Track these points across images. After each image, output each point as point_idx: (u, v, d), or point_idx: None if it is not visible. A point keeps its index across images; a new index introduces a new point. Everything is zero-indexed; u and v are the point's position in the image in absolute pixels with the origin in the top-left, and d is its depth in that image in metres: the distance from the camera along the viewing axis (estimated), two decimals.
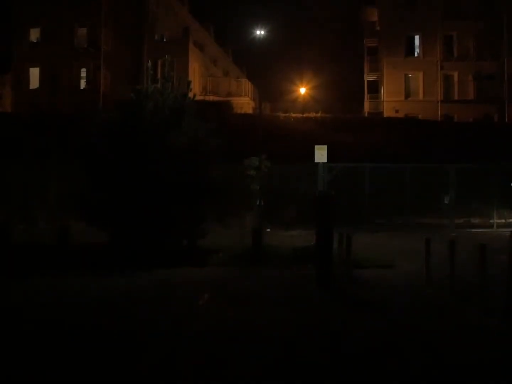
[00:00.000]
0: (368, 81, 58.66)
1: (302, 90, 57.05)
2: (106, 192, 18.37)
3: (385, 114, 50.50)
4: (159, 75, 20.42)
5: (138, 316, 10.65)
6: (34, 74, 49.52)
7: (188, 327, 9.79)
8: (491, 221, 28.48)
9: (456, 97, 51.39)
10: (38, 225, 25.65)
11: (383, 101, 53.51)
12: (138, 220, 18.07)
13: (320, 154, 28.03)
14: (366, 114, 54.75)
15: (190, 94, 20.12)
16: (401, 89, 52.24)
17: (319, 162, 28.55)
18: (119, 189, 18.02)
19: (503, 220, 28.66)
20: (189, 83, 21.20)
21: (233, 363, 7.79)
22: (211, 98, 45.60)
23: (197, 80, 49.76)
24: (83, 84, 49.73)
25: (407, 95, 52.43)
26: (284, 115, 40.24)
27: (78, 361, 7.87)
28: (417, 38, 52.91)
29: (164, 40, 51.66)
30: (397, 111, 49.96)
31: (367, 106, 56.66)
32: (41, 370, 7.53)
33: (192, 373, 7.43)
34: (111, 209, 18.05)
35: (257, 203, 24.07)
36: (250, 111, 48.58)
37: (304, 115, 40.42)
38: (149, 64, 21.14)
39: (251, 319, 10.39)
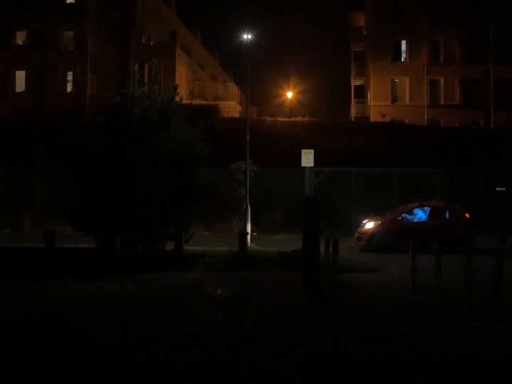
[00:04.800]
0: (355, 86, 58.83)
1: (289, 95, 57.11)
2: (92, 197, 18.32)
3: (372, 119, 50.61)
4: (146, 79, 20.35)
5: (127, 319, 10.61)
6: (20, 77, 49.22)
7: (176, 331, 9.75)
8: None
9: (442, 102, 51.58)
10: (24, 230, 25.57)
11: (369, 105, 53.62)
12: (125, 225, 18.03)
13: (307, 158, 28.07)
14: (353, 119, 54.89)
15: (177, 98, 20.11)
16: (387, 93, 52.37)
17: (305, 166, 28.60)
18: (105, 194, 17.97)
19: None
20: (176, 87, 21.20)
21: (223, 366, 7.78)
22: (198, 102, 45.46)
23: (184, 84, 49.71)
24: (69, 87, 49.52)
25: (394, 100, 52.58)
26: (271, 119, 40.17)
27: (65, 363, 7.84)
28: (403, 43, 53.06)
29: (151, 44, 51.59)
30: (383, 116, 50.07)
31: (354, 111, 56.80)
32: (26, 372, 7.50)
33: (182, 375, 7.43)
34: (98, 213, 17.99)
35: (244, 207, 24.07)
36: (237, 115, 48.56)
37: (291, 119, 40.38)
38: (136, 67, 21.10)
39: (238, 323, 10.38)
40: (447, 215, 23.06)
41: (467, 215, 22.95)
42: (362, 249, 22.20)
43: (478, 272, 11.21)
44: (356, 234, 23.40)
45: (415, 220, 22.74)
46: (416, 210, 22.96)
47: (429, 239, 15.74)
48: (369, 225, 23.01)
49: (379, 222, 22.91)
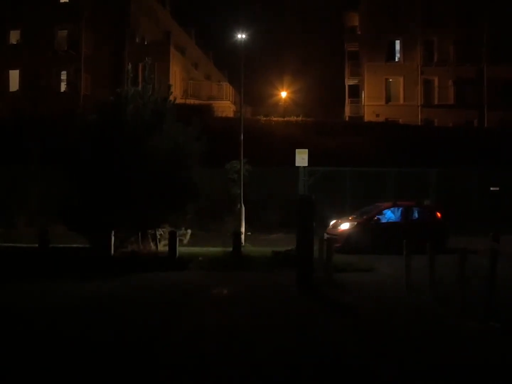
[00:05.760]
0: (349, 85, 58.86)
1: (283, 94, 57.11)
2: (86, 196, 18.29)
3: (366, 118, 50.62)
4: (140, 78, 20.32)
5: (124, 318, 10.61)
6: (14, 76, 49.12)
7: (169, 332, 9.74)
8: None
9: (436, 102, 51.66)
10: (18, 229, 25.47)
11: (364, 105, 53.68)
12: (119, 224, 18.03)
13: (301, 157, 28.03)
14: (347, 118, 54.90)
15: (171, 97, 20.10)
16: (381, 93, 52.42)
17: (300, 166, 28.59)
18: (99, 194, 17.95)
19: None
20: (169, 86, 21.20)
21: (219, 364, 7.77)
22: (192, 101, 45.42)
23: (178, 84, 49.64)
24: (63, 87, 49.43)
25: (388, 100, 52.63)
26: (265, 119, 40.12)
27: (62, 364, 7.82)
28: (397, 43, 53.12)
29: (145, 43, 51.51)
30: (377, 115, 50.10)
31: (348, 110, 56.84)
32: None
33: (178, 372, 7.42)
34: (92, 213, 17.97)
35: (238, 206, 24.04)
36: (231, 114, 48.52)
37: (285, 119, 40.34)
38: (129, 67, 21.08)
39: (232, 323, 10.36)
40: (420, 215, 22.86)
41: (439, 214, 22.81)
42: (336, 250, 20.75)
43: (470, 271, 11.23)
44: (328, 235, 20.81)
45: (390, 221, 22.42)
46: (391, 210, 22.66)
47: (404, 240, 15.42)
48: (344, 226, 22.27)
49: (355, 222, 22.27)
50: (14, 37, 49.79)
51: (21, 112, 37.79)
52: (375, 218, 22.33)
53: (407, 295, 13.24)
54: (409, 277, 13.63)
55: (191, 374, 7.49)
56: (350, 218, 23.12)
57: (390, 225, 22.16)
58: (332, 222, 23.28)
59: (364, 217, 22.60)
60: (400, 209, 22.56)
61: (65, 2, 49.37)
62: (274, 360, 8.12)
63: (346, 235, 21.61)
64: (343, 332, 9.86)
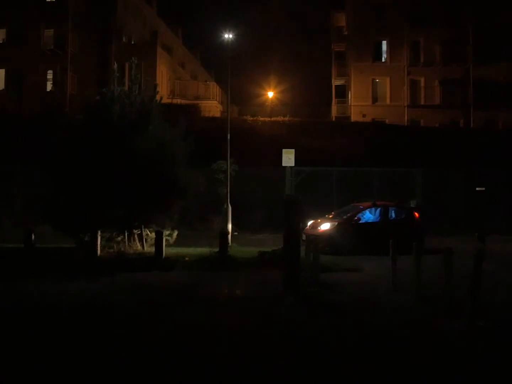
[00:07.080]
0: (335, 86, 58.89)
1: (270, 94, 57.12)
2: (71, 197, 18.23)
3: (353, 119, 50.75)
4: (126, 78, 20.29)
5: (109, 318, 10.56)
6: (0, 75, 48.91)
7: (159, 328, 9.72)
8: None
9: (422, 102, 51.85)
10: (4, 230, 25.36)
11: (350, 105, 53.77)
12: (105, 224, 17.98)
13: (288, 157, 28.09)
14: (333, 118, 54.95)
15: (157, 97, 20.08)
16: (368, 93, 52.55)
17: (286, 166, 28.63)
18: (85, 194, 17.89)
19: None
20: (155, 86, 21.16)
21: (207, 363, 7.76)
22: (178, 101, 45.35)
23: (165, 83, 49.56)
24: (49, 86, 49.22)
25: (375, 100, 52.77)
26: (252, 118, 40.10)
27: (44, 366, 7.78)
28: (384, 43, 53.27)
29: (132, 42, 51.39)
30: (364, 116, 50.24)
31: (334, 110, 56.88)
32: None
33: (168, 372, 7.39)
34: (77, 213, 17.91)
35: (225, 206, 24.04)
36: (218, 114, 48.48)
37: (272, 119, 40.35)
38: (115, 66, 21.03)
39: (220, 322, 10.34)
40: (399, 215, 22.81)
41: (416, 214, 22.80)
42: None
43: (455, 271, 11.28)
44: (308, 236, 19.44)
45: (370, 221, 22.27)
46: (370, 210, 22.52)
47: (384, 240, 15.40)
48: (325, 226, 21.89)
49: (336, 223, 21.95)
50: None
51: (7, 112, 37.60)
52: (356, 218, 22.22)
53: (393, 294, 13.27)
54: (395, 277, 13.68)
55: (181, 372, 7.48)
56: (329, 217, 23.04)
57: (370, 225, 22.08)
58: (310, 223, 22.91)
59: (344, 217, 22.50)
60: (379, 209, 22.50)
61: (51, 1, 49.17)
62: (261, 359, 8.12)
63: (328, 236, 21.13)
64: (329, 331, 9.86)
